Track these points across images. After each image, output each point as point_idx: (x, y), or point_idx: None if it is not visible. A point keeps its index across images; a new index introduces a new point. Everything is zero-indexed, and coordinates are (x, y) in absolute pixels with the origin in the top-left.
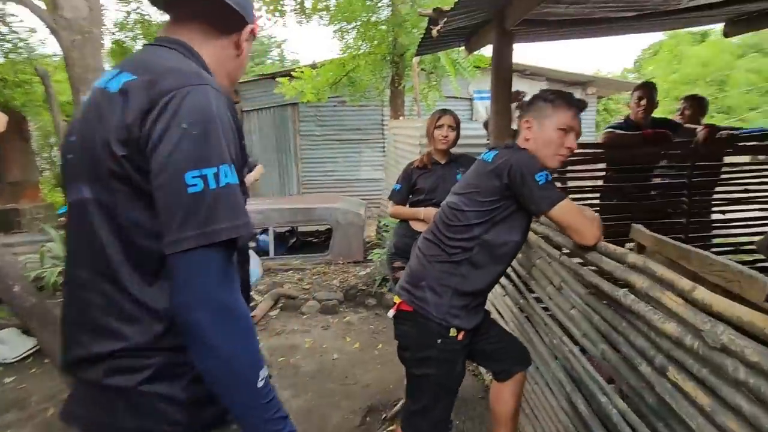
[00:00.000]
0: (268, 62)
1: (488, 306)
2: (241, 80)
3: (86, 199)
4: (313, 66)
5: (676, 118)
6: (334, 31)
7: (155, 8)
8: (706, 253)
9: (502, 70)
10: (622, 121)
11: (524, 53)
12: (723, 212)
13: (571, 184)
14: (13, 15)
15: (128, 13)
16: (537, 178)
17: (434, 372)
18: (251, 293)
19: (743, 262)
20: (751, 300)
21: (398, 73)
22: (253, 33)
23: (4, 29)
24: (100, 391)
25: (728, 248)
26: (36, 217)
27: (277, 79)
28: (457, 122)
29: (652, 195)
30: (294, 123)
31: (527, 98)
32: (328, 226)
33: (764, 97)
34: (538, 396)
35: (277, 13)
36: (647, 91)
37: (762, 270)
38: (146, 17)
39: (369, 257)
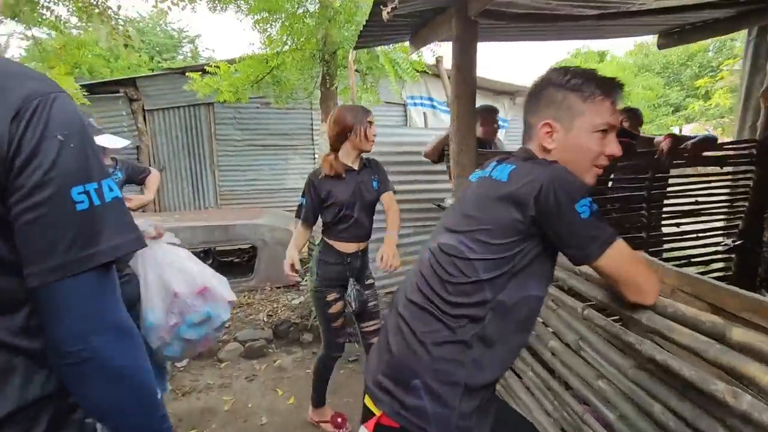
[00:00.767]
0: (179, 59)
1: None
2: (144, 75)
3: None
4: (231, 62)
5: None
6: (255, 22)
7: None
8: None
9: (465, 69)
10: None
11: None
12: (677, 225)
13: None
14: None
15: None
16: (579, 209)
17: None
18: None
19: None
20: None
21: (329, 72)
22: None
23: None
24: None
25: (681, 261)
26: None
27: (187, 74)
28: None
29: (609, 209)
30: (209, 125)
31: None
32: (252, 245)
33: (656, 111)
34: None
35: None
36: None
37: None
38: None
39: (303, 281)
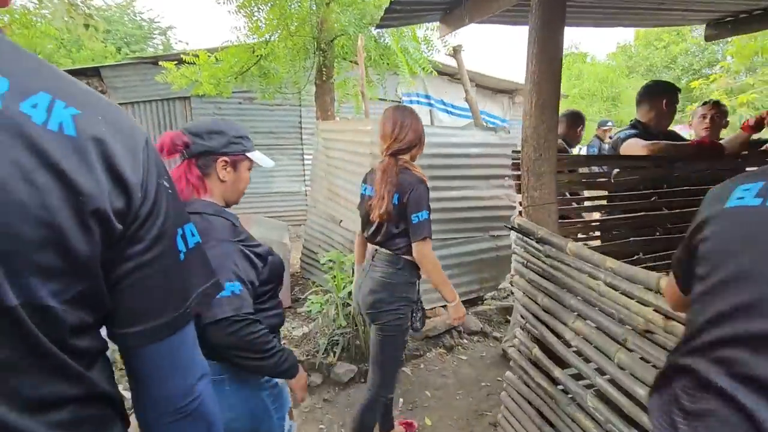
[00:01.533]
0: (149, 51)
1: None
2: (111, 63)
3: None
4: (212, 51)
5: (697, 128)
6: (239, 5)
7: None
8: None
9: (548, 58)
10: (632, 128)
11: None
12: None
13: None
14: None
15: None
16: None
17: None
18: None
19: None
20: None
21: (326, 64)
22: None
23: None
24: None
25: None
26: None
27: (160, 63)
28: None
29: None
30: (186, 122)
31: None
32: None
33: None
34: None
35: None
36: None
37: None
38: None
39: (306, 305)
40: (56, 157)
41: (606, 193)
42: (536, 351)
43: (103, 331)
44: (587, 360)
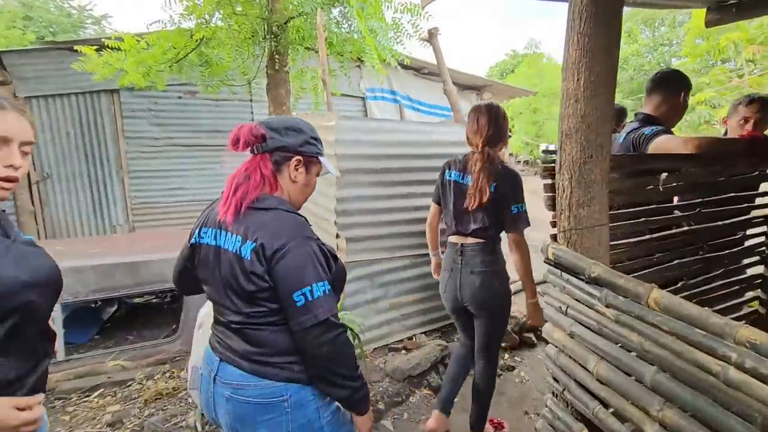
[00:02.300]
0: None
1: None
2: (16, 48)
3: None
4: (143, 36)
5: (740, 126)
6: None
7: None
8: None
9: (604, 40)
10: (645, 122)
11: (418, 52)
12: None
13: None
14: None
15: None
16: None
17: None
18: None
19: None
20: None
21: (279, 50)
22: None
23: None
24: None
25: None
26: None
27: (77, 48)
28: None
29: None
30: (114, 119)
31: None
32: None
33: None
34: None
35: None
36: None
37: None
38: None
39: None
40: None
41: (653, 204)
42: None
43: None
44: None
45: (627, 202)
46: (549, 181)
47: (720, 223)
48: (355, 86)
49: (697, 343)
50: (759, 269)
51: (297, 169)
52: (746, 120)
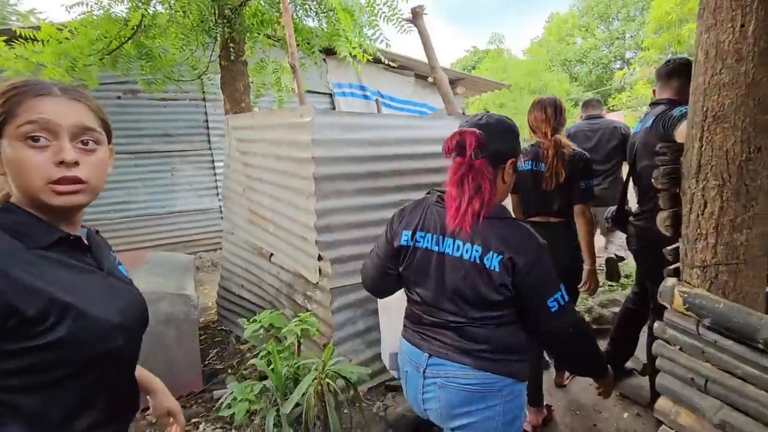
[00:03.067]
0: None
1: None
2: None
3: None
4: (64, 25)
5: None
6: None
7: None
8: None
9: None
10: (670, 103)
11: (394, 39)
12: None
13: None
14: None
15: None
16: None
17: None
18: None
19: None
20: None
21: (234, 38)
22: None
23: None
24: None
25: None
26: None
27: None
28: None
29: None
30: None
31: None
32: None
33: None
34: None
35: None
36: None
37: None
38: None
39: (224, 399)
40: None
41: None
42: None
43: None
44: None
45: None
46: (672, 190)
47: None
48: (321, 81)
49: None
50: None
51: (510, 170)
52: None
